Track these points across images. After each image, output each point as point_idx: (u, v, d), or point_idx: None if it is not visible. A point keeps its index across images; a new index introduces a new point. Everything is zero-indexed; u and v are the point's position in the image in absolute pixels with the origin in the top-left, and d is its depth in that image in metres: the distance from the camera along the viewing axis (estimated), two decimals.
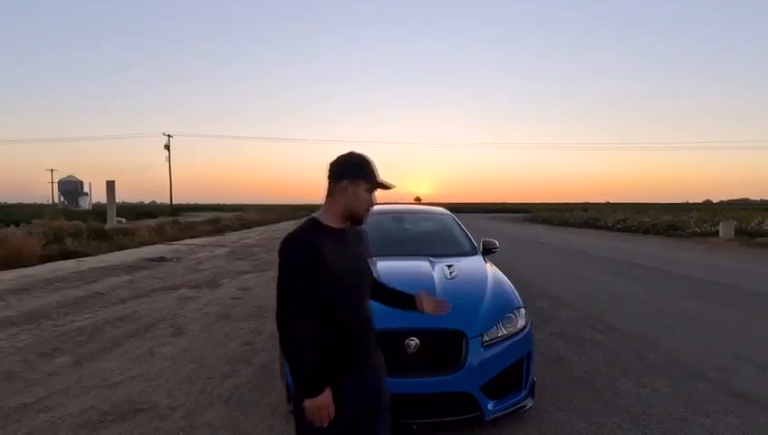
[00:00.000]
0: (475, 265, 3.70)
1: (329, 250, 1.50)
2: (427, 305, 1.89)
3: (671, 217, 26.30)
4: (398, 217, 4.92)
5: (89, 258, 10.92)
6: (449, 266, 3.49)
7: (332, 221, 1.58)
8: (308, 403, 1.46)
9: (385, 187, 1.65)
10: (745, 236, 17.99)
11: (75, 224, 16.58)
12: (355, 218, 1.62)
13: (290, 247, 1.49)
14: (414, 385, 2.61)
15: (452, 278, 3.26)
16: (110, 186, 25.85)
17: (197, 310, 5.84)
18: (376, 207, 5.38)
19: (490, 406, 2.67)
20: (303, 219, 1.64)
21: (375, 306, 2.85)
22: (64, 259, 10.59)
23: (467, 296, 3.04)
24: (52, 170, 77.81)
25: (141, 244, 14.16)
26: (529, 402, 2.88)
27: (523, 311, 3.05)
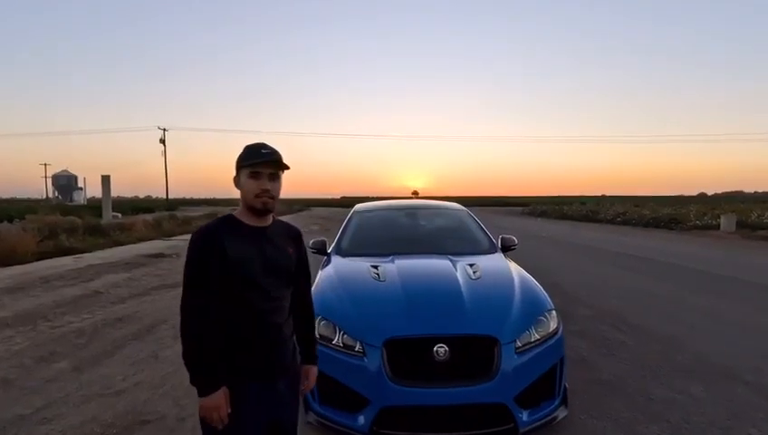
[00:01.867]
0: (498, 264, 3.51)
1: (236, 246, 1.46)
2: (305, 378, 1.78)
3: (670, 210, 26.26)
4: (411, 212, 4.72)
5: (86, 255, 10.67)
6: (471, 265, 3.30)
7: (246, 218, 1.54)
8: (199, 401, 1.43)
9: (259, 161, 1.48)
10: (746, 229, 17.92)
11: (70, 219, 16.31)
12: (255, 209, 1.52)
13: (195, 240, 1.46)
14: (444, 396, 2.42)
15: (476, 279, 3.07)
16: (106, 180, 25.46)
17: None
18: (388, 203, 5.20)
19: (524, 417, 2.49)
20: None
21: (403, 311, 2.69)
22: (60, 256, 10.34)
23: (496, 299, 2.85)
24: (45, 165, 77.06)
25: (139, 239, 13.89)
26: (562, 412, 2.70)
27: (554, 313, 2.87)
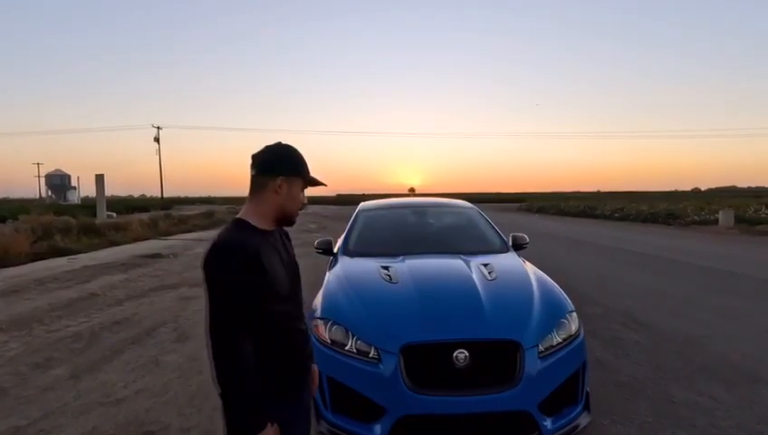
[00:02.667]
0: (513, 264, 3.39)
1: (267, 256, 1.29)
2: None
3: (668, 206, 26.31)
4: (419, 211, 4.60)
5: (81, 255, 10.47)
6: (485, 265, 3.18)
7: (261, 222, 1.34)
8: None
9: (318, 184, 1.46)
10: (744, 224, 17.94)
11: (64, 219, 16.04)
12: (287, 220, 1.41)
13: (223, 255, 1.21)
14: (465, 404, 2.30)
15: (493, 280, 2.94)
16: (100, 179, 25.21)
17: (200, 311, 5.42)
18: (394, 201, 5.07)
19: (548, 424, 2.38)
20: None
21: (420, 315, 2.56)
22: (55, 257, 10.14)
23: (516, 301, 2.73)
24: (38, 164, 76.25)
25: (135, 239, 13.69)
26: (585, 418, 2.58)
27: (575, 315, 2.76)
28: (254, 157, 1.36)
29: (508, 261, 3.46)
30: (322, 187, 1.51)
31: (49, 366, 3.85)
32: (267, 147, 1.38)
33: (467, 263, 3.23)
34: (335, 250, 3.95)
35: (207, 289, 1.21)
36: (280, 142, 1.40)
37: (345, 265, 3.46)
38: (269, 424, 1.25)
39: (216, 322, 1.20)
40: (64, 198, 66.51)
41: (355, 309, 2.69)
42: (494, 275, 3.02)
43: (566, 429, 2.45)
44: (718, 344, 4.13)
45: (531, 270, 3.26)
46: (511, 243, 3.98)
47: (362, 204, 4.79)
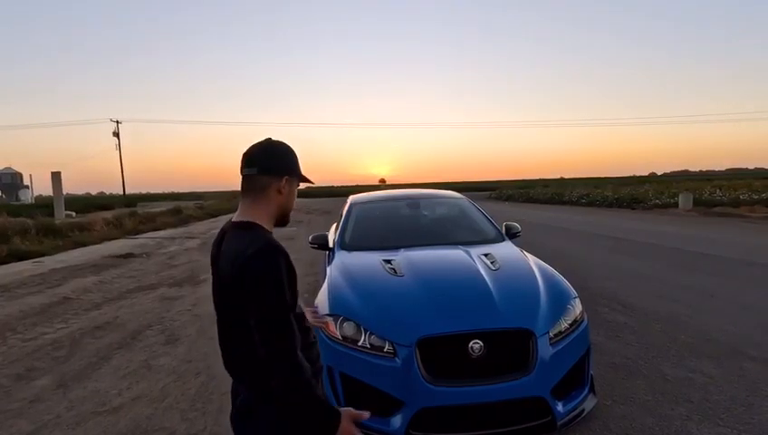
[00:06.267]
0: (513, 253, 3.44)
1: None
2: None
3: (630, 190, 27.40)
4: (411, 202, 4.59)
5: (46, 258, 9.94)
6: (486, 255, 3.22)
7: (268, 225, 1.31)
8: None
9: (309, 181, 1.43)
10: (702, 206, 18.92)
11: (21, 220, 15.16)
12: (285, 220, 1.39)
13: (279, 259, 1.18)
14: (482, 393, 2.34)
15: (496, 269, 2.98)
16: (56, 177, 24.07)
17: (186, 311, 5.33)
18: (385, 193, 5.04)
19: (560, 408, 2.45)
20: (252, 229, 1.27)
21: (433, 308, 2.57)
22: (16, 261, 9.59)
23: (524, 289, 2.78)
24: None
25: (102, 239, 13.11)
26: (591, 401, 2.67)
27: (578, 300, 2.85)
28: (252, 155, 1.31)
29: (507, 250, 3.51)
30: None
31: (32, 377, 3.65)
32: (265, 145, 1.33)
33: (468, 253, 3.26)
34: (330, 245, 3.90)
35: (258, 295, 1.15)
36: (270, 139, 1.35)
37: (345, 259, 3.42)
38: (344, 417, 1.19)
39: (274, 330, 1.14)
40: (16, 197, 62.88)
41: (366, 304, 2.67)
42: (496, 265, 3.06)
43: (575, 412, 2.53)
44: (699, 322, 4.34)
45: (531, 259, 3.33)
46: (504, 232, 4.04)
47: (352, 197, 4.75)
